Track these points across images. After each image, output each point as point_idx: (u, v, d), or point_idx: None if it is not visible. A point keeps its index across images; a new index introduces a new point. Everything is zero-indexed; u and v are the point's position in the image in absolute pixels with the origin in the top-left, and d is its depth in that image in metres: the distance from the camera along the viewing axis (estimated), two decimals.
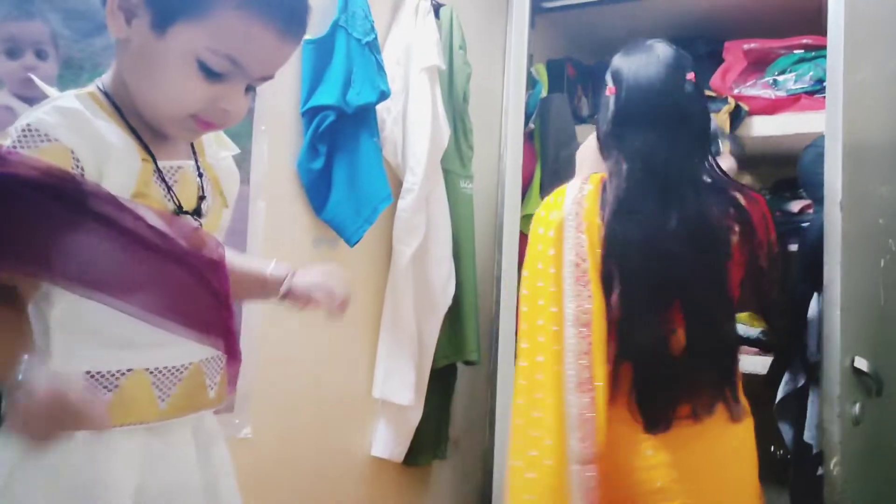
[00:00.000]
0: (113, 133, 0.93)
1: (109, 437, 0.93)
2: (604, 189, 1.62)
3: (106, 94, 0.97)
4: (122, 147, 0.93)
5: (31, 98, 1.27)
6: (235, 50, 0.92)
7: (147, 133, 0.98)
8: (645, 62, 1.66)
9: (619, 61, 1.71)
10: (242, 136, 1.66)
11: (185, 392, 1.00)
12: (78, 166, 0.89)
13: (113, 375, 0.94)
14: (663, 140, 1.59)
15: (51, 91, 1.12)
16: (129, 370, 0.95)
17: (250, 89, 0.99)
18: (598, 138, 1.73)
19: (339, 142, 1.84)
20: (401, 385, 2.02)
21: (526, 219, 2.31)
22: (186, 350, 1.00)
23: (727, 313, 1.62)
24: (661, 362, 1.59)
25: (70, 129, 0.89)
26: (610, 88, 1.70)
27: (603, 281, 1.57)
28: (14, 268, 0.85)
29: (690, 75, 1.65)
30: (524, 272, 1.69)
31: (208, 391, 1.03)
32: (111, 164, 0.91)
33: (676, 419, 1.58)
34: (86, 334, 0.94)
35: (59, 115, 0.90)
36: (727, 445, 1.62)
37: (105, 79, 0.99)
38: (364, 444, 2.05)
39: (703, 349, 1.59)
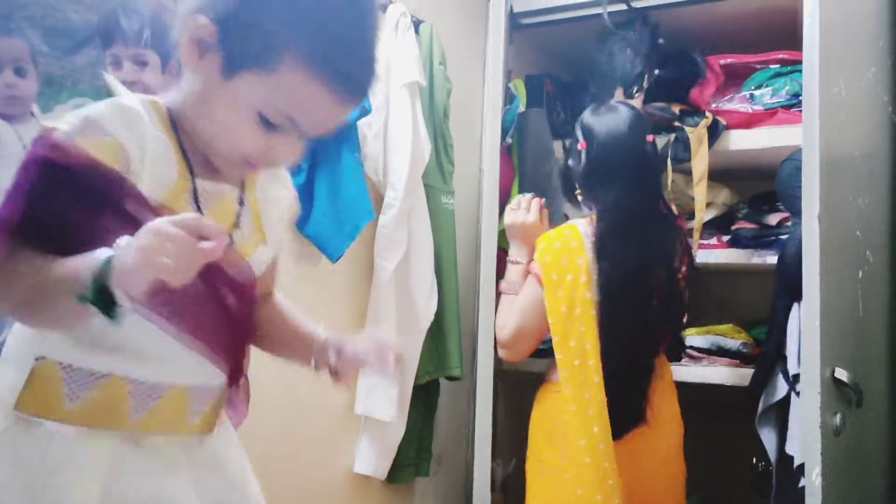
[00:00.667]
0: (160, 141, 0.95)
1: (76, 437, 0.93)
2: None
3: (168, 109, 0.99)
4: (163, 157, 0.95)
5: (12, 115, 1.27)
6: (296, 110, 0.93)
7: (197, 153, 0.99)
8: (613, 122, 1.94)
9: (589, 119, 1.98)
10: None
11: (163, 410, 0.98)
12: (127, 165, 0.90)
13: (93, 375, 0.93)
14: (630, 191, 1.90)
15: (120, 89, 1.13)
16: (109, 374, 0.94)
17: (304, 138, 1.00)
18: (571, 182, 2.01)
19: (320, 158, 1.84)
20: (383, 401, 2.01)
21: (504, 233, 2.31)
22: (176, 371, 0.99)
23: (670, 333, 1.99)
24: (629, 382, 1.87)
25: (125, 126, 0.91)
26: (581, 143, 1.96)
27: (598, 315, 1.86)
28: (49, 249, 0.87)
29: (650, 137, 1.96)
30: (550, 318, 1.89)
31: (190, 416, 1.02)
32: (147, 169, 0.92)
33: (628, 427, 1.85)
34: (79, 330, 0.93)
35: (119, 112, 0.92)
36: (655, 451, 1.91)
37: (171, 96, 1.00)
38: (346, 460, 2.04)
39: (651, 365, 1.91)
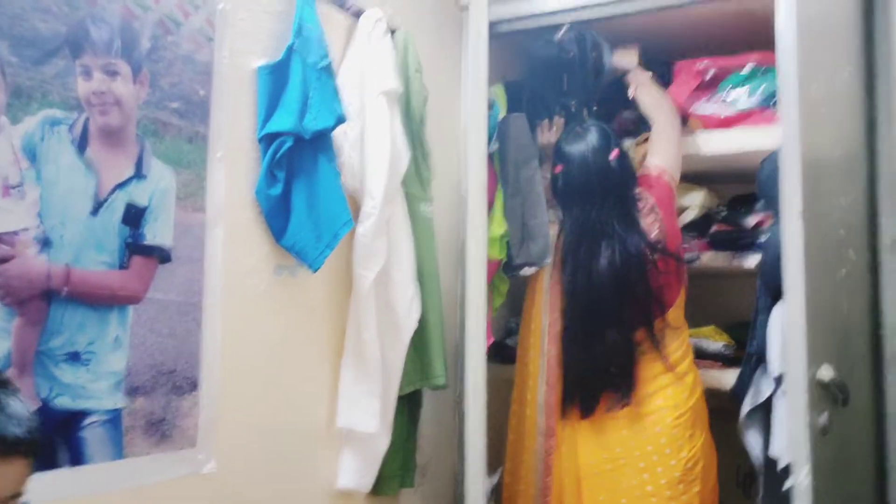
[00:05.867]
0: None
1: None
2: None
3: None
4: None
5: None
6: None
7: None
8: (581, 147, 2.25)
9: (562, 144, 2.31)
10: (197, 163, 1.63)
11: None
12: None
13: None
14: (593, 207, 2.21)
15: None
16: None
17: None
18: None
19: (297, 167, 1.81)
20: (366, 413, 1.98)
21: (490, 241, 2.30)
22: None
23: (638, 325, 2.18)
24: (590, 364, 2.20)
25: None
26: (557, 167, 2.30)
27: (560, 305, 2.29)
28: None
29: (613, 153, 2.23)
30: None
31: None
32: None
33: (597, 408, 2.19)
34: None
35: None
36: (630, 432, 2.16)
37: None
38: (329, 474, 2.00)
39: (615, 353, 2.18)
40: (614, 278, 2.17)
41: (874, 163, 2.02)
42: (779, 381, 1.91)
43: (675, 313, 2.22)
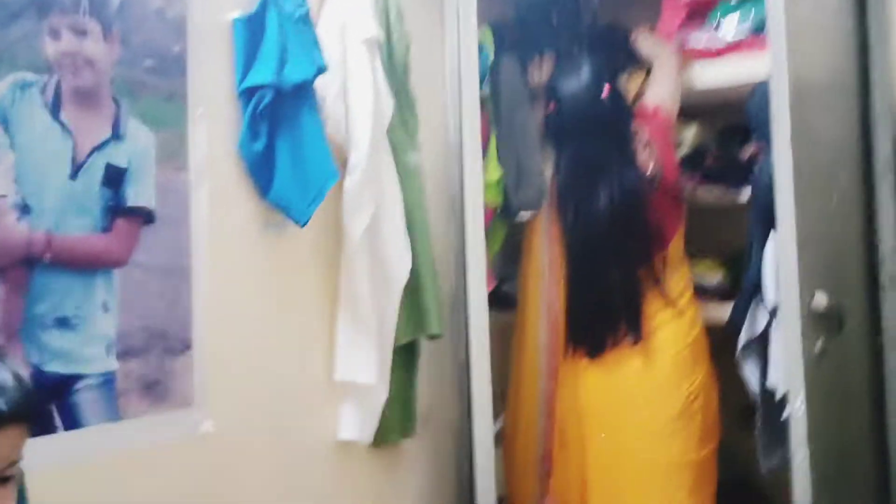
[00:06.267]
0: None
1: None
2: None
3: None
4: None
5: None
6: None
7: None
8: (574, 83, 2.25)
9: (555, 82, 2.30)
10: (177, 121, 1.60)
11: None
12: None
13: None
14: (588, 143, 2.22)
15: None
16: None
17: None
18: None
19: (279, 121, 1.78)
20: (363, 365, 1.98)
21: (486, 187, 2.29)
22: None
23: (640, 262, 2.17)
24: (595, 302, 2.21)
25: None
26: (550, 106, 2.30)
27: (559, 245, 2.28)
28: None
29: (606, 89, 2.22)
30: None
31: None
32: None
33: (606, 346, 2.17)
34: None
35: None
36: (632, 369, 2.16)
37: None
38: (329, 428, 2.01)
39: (620, 290, 2.18)
40: (613, 215, 2.16)
41: (867, 83, 1.98)
42: (775, 312, 1.90)
43: (675, 248, 2.22)
